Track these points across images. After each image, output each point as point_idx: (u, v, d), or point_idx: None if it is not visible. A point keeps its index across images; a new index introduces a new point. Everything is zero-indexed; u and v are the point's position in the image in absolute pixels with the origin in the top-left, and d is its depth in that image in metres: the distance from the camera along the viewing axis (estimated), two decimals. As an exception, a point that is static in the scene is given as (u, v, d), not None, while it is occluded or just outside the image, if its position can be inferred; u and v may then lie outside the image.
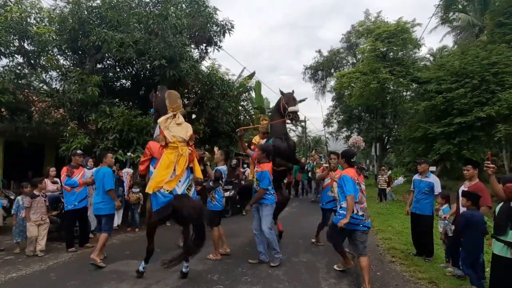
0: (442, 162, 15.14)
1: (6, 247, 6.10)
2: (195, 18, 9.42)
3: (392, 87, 19.91)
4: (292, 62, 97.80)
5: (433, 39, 63.98)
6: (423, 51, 32.99)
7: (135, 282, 4.42)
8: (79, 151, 6.30)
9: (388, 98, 21.61)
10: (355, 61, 29.79)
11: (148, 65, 8.60)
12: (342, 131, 33.07)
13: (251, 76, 15.23)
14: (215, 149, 6.54)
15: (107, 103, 8.18)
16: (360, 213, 4.31)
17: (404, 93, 22.80)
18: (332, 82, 30.61)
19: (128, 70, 9.83)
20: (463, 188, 4.82)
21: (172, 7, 8.76)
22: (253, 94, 14.98)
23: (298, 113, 6.16)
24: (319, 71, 33.74)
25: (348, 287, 4.43)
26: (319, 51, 33.55)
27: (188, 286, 4.30)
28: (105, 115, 7.86)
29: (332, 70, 32.21)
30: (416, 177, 6.12)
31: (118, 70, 9.73)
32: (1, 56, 8.01)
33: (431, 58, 27.03)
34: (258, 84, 16.41)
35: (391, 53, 19.48)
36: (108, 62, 9.59)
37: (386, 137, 29.16)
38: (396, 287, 4.46)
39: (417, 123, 16.37)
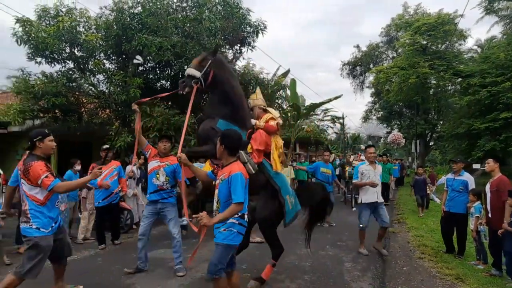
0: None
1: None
2: (228, 20, 9.76)
3: (434, 82, 19.21)
4: (329, 58, 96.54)
5: (481, 29, 60.41)
6: (469, 43, 31.33)
7: (170, 268, 4.81)
8: (104, 146, 6.58)
9: (430, 93, 20.86)
10: (395, 55, 28.92)
11: (185, 67, 9.06)
12: (382, 127, 32.23)
13: (286, 74, 15.35)
14: None
15: (148, 103, 8.74)
16: None
17: (448, 87, 21.87)
18: (371, 78, 29.97)
19: (167, 71, 10.37)
20: (488, 185, 4.82)
21: (206, 11, 9.17)
22: (288, 92, 15.09)
23: (185, 74, 4.11)
24: (357, 66, 33.11)
25: (372, 280, 4.54)
26: (358, 46, 32.91)
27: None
28: (145, 115, 8.41)
29: (371, 65, 31.47)
30: (449, 176, 6.20)
31: (158, 72, 10.30)
32: (55, 63, 8.81)
33: (479, 50, 25.62)
34: (294, 81, 16.44)
35: (433, 46, 18.79)
36: (148, 64, 10.20)
37: (429, 134, 28.08)
38: (421, 282, 4.51)
39: (460, 119, 15.72)
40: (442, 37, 17.49)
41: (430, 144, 29.33)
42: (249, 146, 4.10)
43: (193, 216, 2.91)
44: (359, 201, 5.90)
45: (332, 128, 34.71)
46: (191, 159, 3.98)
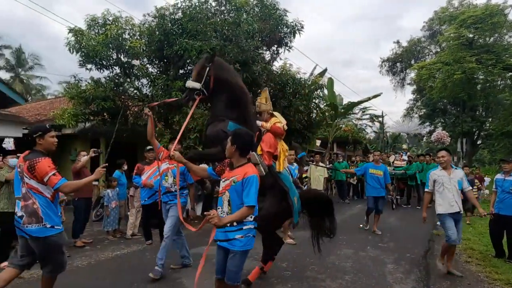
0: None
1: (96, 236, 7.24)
2: (266, 22, 9.88)
3: (481, 77, 18.19)
4: (368, 55, 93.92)
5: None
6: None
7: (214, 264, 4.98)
8: (148, 147, 6.95)
9: (478, 89, 19.77)
10: (438, 50, 27.64)
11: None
12: (424, 126, 30.93)
13: (323, 73, 15.26)
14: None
15: (189, 105, 9.06)
16: None
17: (498, 82, 20.60)
18: (412, 74, 28.87)
19: (206, 74, 10.68)
20: None
21: (244, 14, 9.34)
22: (325, 91, 14.98)
23: (186, 86, 4.14)
24: (398, 63, 31.99)
25: (415, 283, 4.45)
26: (398, 42, 31.77)
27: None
28: (186, 117, 8.73)
29: (412, 61, 30.31)
30: (498, 176, 5.90)
31: (198, 75, 10.64)
32: (103, 69, 9.36)
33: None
34: (331, 80, 16.29)
35: (480, 40, 17.80)
36: (189, 68, 10.55)
37: (477, 132, 26.59)
38: (468, 286, 4.36)
39: (511, 116, 14.78)
40: (490, 29, 16.54)
41: (478, 143, 27.76)
42: (258, 148, 4.14)
43: (204, 213, 2.89)
44: (437, 212, 4.89)
45: (371, 127, 33.93)
46: (194, 162, 3.97)
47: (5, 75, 25.46)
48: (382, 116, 31.13)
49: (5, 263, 4.98)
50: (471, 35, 17.26)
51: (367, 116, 30.76)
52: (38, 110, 12.91)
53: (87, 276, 4.70)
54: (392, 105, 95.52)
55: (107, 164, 3.44)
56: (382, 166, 7.75)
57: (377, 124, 33.26)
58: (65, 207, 5.91)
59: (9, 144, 5.35)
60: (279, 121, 4.32)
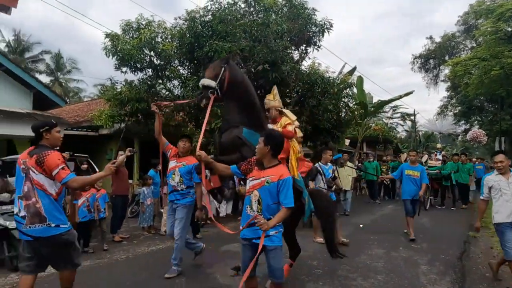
0: None
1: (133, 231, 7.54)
2: (294, 22, 9.89)
3: (522, 72, 17.26)
4: (399, 52, 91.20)
5: None
6: None
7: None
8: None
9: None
10: (474, 45, 26.48)
11: (252, 70, 9.40)
12: (459, 124, 29.73)
13: (352, 71, 15.05)
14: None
15: (218, 105, 9.25)
16: None
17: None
18: (446, 71, 27.82)
19: (235, 74, 10.84)
20: None
21: (273, 14, 9.40)
22: (354, 90, 14.77)
23: (200, 84, 4.06)
24: (431, 59, 30.89)
25: (450, 285, 4.35)
26: (430, 38, 30.62)
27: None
28: (216, 116, 8.89)
29: (446, 57, 29.17)
30: None
31: (227, 75, 10.82)
32: (137, 71, 9.73)
33: None
34: (360, 79, 16.04)
35: (520, 33, 16.90)
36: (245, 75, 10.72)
37: (517, 130, 25.25)
38: (509, 289, 4.22)
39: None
40: (531, 22, 15.69)
41: (518, 141, 26.38)
42: None
43: (256, 219, 2.88)
44: (494, 221, 4.42)
45: (402, 125, 33.02)
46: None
47: (45, 79, 26.87)
48: (414, 115, 30.22)
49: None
50: (509, 29, 16.42)
51: (398, 115, 29.97)
52: (76, 112, 13.57)
53: (126, 269, 4.94)
54: (425, 103, 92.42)
55: (116, 161, 3.36)
56: (419, 167, 7.09)
57: (409, 123, 32.36)
58: (108, 203, 6.26)
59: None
60: (289, 121, 4.26)
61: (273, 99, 4.40)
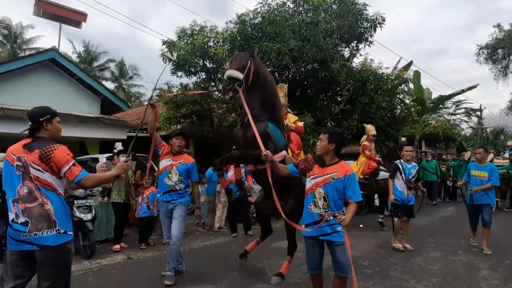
0: None
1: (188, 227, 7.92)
2: (344, 18, 9.76)
3: None
4: (462, 43, 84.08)
5: None
6: None
7: (294, 258, 5.17)
8: (234, 146, 7.34)
9: None
10: (551, 31, 23.91)
11: (302, 69, 9.43)
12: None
13: (408, 66, 14.40)
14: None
15: (228, 95, 9.36)
16: None
17: None
18: (517, 61, 25.44)
19: (285, 74, 10.93)
20: None
21: (322, 12, 9.36)
22: (411, 85, 14.11)
23: (226, 76, 3.90)
24: (499, 49, 28.37)
25: (516, 291, 4.07)
26: (498, 26, 28.08)
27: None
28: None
29: (518, 46, 26.66)
30: None
31: (277, 75, 10.94)
32: (192, 75, 10.23)
33: None
34: (417, 73, 15.28)
35: None
36: (268, 69, 10.93)
37: None
38: None
39: None
40: None
41: None
42: (289, 150, 4.10)
43: (338, 216, 2.93)
44: None
45: (467, 122, 30.74)
46: (239, 161, 4.06)
47: (110, 86, 29.04)
48: (481, 110, 28.05)
49: (117, 246, 5.87)
50: None
51: (462, 110, 27.98)
52: (137, 115, 14.56)
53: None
54: (493, 97, 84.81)
55: (130, 159, 3.03)
56: (487, 166, 5.95)
57: (475, 119, 30.05)
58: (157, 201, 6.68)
59: (119, 147, 6.41)
60: (296, 118, 4.35)
61: (284, 97, 4.47)
